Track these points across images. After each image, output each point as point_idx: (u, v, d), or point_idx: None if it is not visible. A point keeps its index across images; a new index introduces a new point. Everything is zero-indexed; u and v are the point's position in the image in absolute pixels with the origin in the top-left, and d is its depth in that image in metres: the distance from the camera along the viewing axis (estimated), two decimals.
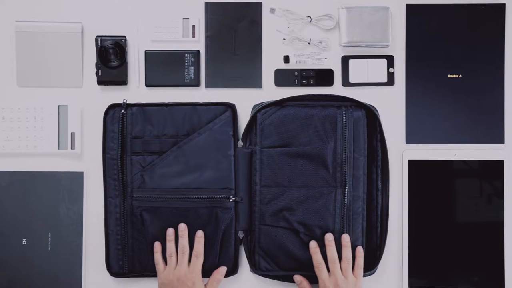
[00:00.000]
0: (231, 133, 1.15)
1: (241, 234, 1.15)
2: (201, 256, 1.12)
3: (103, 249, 1.16)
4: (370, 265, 1.15)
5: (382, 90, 1.19)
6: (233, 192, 1.14)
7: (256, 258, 1.14)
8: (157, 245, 1.13)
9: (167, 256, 1.12)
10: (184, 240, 1.12)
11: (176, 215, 1.14)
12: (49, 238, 1.16)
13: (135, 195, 1.15)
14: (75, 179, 1.17)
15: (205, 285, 1.12)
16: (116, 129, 1.15)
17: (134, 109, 1.16)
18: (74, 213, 1.17)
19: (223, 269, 1.14)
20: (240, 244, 1.16)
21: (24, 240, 1.16)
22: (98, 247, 1.17)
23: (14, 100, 1.18)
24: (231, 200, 1.14)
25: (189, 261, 1.12)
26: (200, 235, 1.12)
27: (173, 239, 1.13)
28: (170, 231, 1.13)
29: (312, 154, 1.12)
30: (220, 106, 1.16)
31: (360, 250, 1.12)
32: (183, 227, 1.13)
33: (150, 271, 1.15)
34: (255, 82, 1.19)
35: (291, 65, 1.19)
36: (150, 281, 1.17)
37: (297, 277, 1.13)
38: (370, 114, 1.15)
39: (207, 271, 1.14)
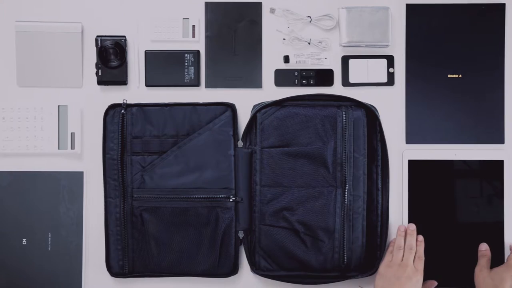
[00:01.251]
0: (231, 133, 1.15)
1: (241, 234, 1.15)
2: (423, 257, 1.12)
3: (103, 249, 1.16)
4: (370, 265, 1.15)
5: (382, 90, 1.19)
6: (233, 192, 1.14)
7: (256, 258, 1.14)
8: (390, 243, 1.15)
9: (395, 248, 1.13)
10: (412, 239, 1.13)
11: (176, 215, 1.14)
12: (49, 238, 1.16)
13: (135, 195, 1.14)
14: (75, 179, 1.17)
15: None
16: (116, 129, 1.15)
17: (134, 109, 1.16)
18: (74, 213, 1.17)
19: (434, 283, 1.15)
20: (240, 244, 1.16)
21: (24, 240, 1.16)
22: (98, 247, 1.16)
23: (14, 100, 1.18)
24: (231, 200, 1.14)
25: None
26: (421, 239, 1.14)
27: (403, 235, 1.14)
28: (402, 228, 1.15)
29: (312, 154, 1.12)
30: (220, 106, 1.16)
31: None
32: (412, 227, 1.14)
33: (150, 271, 1.15)
34: (255, 82, 1.19)
35: (291, 65, 1.19)
36: (151, 281, 1.17)
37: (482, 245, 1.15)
38: (370, 114, 1.15)
39: (207, 271, 1.15)
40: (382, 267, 1.12)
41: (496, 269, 1.12)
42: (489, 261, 1.14)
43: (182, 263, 1.15)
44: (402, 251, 1.12)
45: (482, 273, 1.12)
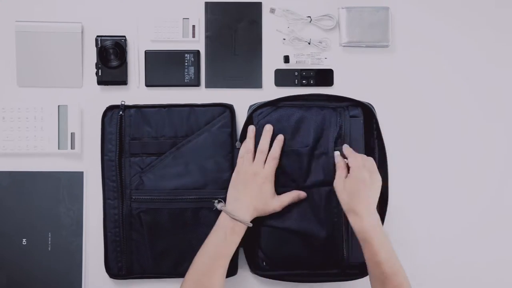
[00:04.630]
0: (229, 133, 1.15)
1: None
2: (277, 158, 1.10)
3: (103, 250, 1.16)
4: None
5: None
6: None
7: (256, 259, 1.14)
8: (247, 141, 1.12)
9: (244, 152, 1.10)
10: (265, 141, 1.11)
11: (175, 216, 1.14)
12: (49, 238, 1.16)
13: (133, 197, 1.14)
14: (75, 179, 1.17)
15: (276, 195, 1.10)
16: (114, 131, 1.15)
17: (132, 110, 1.15)
18: (74, 213, 1.17)
19: (303, 194, 1.11)
20: (240, 245, 1.16)
21: (24, 240, 1.16)
22: (98, 247, 1.16)
23: (14, 100, 1.18)
24: None
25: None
26: (280, 138, 1.11)
27: (253, 137, 1.11)
28: (251, 128, 1.12)
29: (309, 154, 1.12)
30: (218, 107, 1.16)
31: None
32: (268, 128, 1.11)
33: (149, 273, 1.15)
34: (255, 82, 1.19)
35: (291, 65, 1.19)
36: (149, 283, 1.17)
37: None
38: (367, 112, 1.14)
39: None
40: (233, 175, 1.10)
41: (347, 178, 1.04)
42: (344, 170, 1.06)
43: (181, 265, 1.15)
44: (251, 155, 1.10)
45: (338, 185, 1.05)
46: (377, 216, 1.03)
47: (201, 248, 1.06)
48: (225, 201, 1.10)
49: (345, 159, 1.07)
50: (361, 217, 1.01)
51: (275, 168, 1.10)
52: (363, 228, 1.00)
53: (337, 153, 1.09)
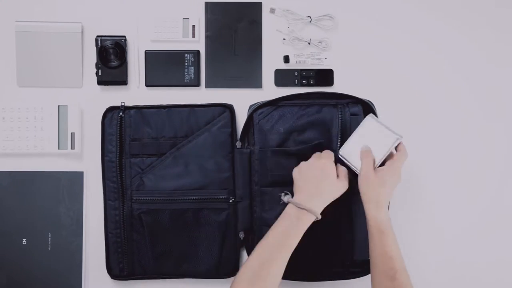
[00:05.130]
0: (230, 134, 1.15)
1: (241, 235, 1.15)
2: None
3: (103, 250, 1.16)
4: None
5: None
6: (232, 192, 1.14)
7: None
8: None
9: None
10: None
11: (176, 216, 1.14)
12: (49, 238, 1.16)
13: (134, 198, 1.14)
14: (75, 179, 1.17)
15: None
16: (114, 132, 1.15)
17: (132, 111, 1.15)
18: (74, 213, 1.17)
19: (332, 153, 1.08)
20: (242, 245, 1.16)
21: (24, 240, 1.16)
22: (98, 247, 1.16)
23: (14, 100, 1.18)
24: (230, 200, 1.14)
25: None
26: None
27: None
28: None
29: (310, 153, 1.12)
30: (218, 107, 1.16)
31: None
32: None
33: (150, 274, 1.15)
34: (255, 82, 1.19)
35: (291, 65, 1.19)
36: (151, 284, 1.17)
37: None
38: (367, 110, 1.14)
39: (207, 273, 1.15)
40: (294, 173, 1.06)
41: (383, 169, 1.03)
42: (373, 162, 1.04)
43: (182, 265, 1.15)
44: None
45: (366, 174, 1.02)
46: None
47: (263, 237, 1.02)
48: (292, 195, 1.07)
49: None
50: (382, 208, 1.01)
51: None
52: (382, 219, 1.00)
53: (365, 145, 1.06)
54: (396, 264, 0.98)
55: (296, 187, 1.06)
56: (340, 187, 1.05)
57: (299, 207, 1.02)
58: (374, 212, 1.01)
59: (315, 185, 1.04)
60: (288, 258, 1.00)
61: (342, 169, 1.07)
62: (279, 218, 1.03)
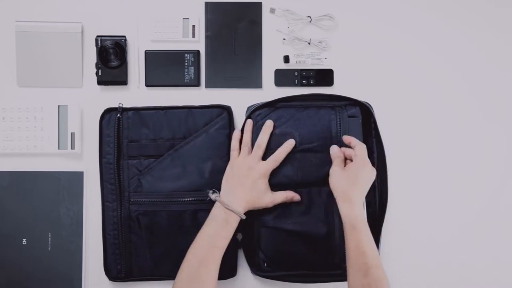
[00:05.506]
0: (227, 135, 1.15)
1: (239, 236, 1.15)
2: (279, 161, 1.09)
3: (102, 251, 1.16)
4: None
5: None
6: None
7: (257, 260, 1.14)
8: (237, 133, 1.12)
9: (242, 145, 1.11)
10: (264, 136, 1.10)
11: (174, 218, 1.14)
12: (49, 238, 1.16)
13: (132, 199, 1.14)
14: (75, 179, 1.17)
15: (271, 191, 1.10)
16: (112, 133, 1.15)
17: (129, 113, 1.15)
18: (74, 213, 1.17)
19: (297, 197, 1.11)
20: (239, 247, 1.16)
21: (24, 240, 1.16)
22: (98, 247, 1.16)
23: (14, 100, 1.18)
24: None
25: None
26: (291, 142, 1.10)
27: (251, 130, 1.11)
28: (249, 122, 1.12)
29: (307, 154, 1.12)
30: (216, 108, 1.16)
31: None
32: (269, 123, 1.11)
33: (148, 275, 1.15)
34: (255, 82, 1.19)
35: (291, 65, 1.19)
36: (149, 285, 1.17)
37: None
38: (365, 112, 1.14)
39: None
40: (227, 167, 1.10)
41: (349, 166, 1.06)
42: (343, 161, 1.08)
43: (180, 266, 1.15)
44: (247, 148, 1.10)
45: (335, 172, 1.06)
46: (364, 210, 1.05)
47: (194, 240, 1.05)
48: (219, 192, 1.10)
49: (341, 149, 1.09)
50: (354, 205, 1.02)
51: (273, 168, 1.10)
52: (355, 215, 1.01)
53: (333, 146, 1.10)
54: (369, 260, 0.98)
55: (226, 187, 1.09)
56: (266, 201, 1.09)
57: (226, 208, 1.05)
58: (346, 208, 1.03)
59: (245, 192, 1.07)
60: (221, 258, 1.04)
61: (281, 194, 1.10)
62: (208, 217, 1.06)
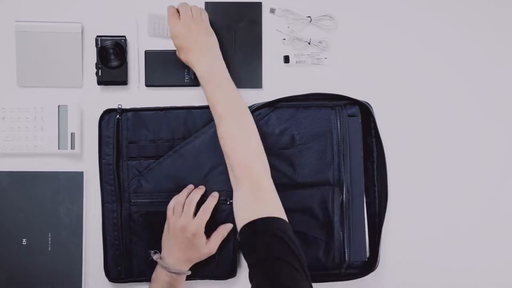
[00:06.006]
0: None
1: (239, 237, 1.15)
2: (208, 213, 1.09)
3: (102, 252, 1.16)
4: (372, 262, 1.14)
5: None
6: (230, 194, 1.14)
7: None
8: (173, 198, 1.12)
9: (175, 204, 1.11)
10: (195, 195, 1.11)
11: None
12: (49, 238, 1.16)
13: (132, 200, 1.14)
14: (75, 179, 1.17)
15: (206, 240, 1.10)
16: (111, 134, 1.15)
17: (129, 114, 1.15)
18: (74, 213, 1.17)
19: (229, 225, 1.12)
20: (239, 247, 1.16)
21: (24, 240, 1.16)
22: (99, 247, 1.16)
23: (14, 100, 1.18)
24: (228, 202, 1.14)
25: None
26: (215, 195, 1.12)
27: (187, 194, 1.12)
28: (190, 186, 1.13)
29: (305, 155, 1.12)
30: None
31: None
32: (201, 186, 1.13)
33: (148, 276, 1.15)
34: (255, 82, 1.19)
35: (291, 65, 1.19)
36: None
37: None
38: (365, 111, 1.15)
39: (205, 274, 1.15)
40: (165, 226, 1.10)
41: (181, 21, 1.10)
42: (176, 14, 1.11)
43: None
44: (180, 207, 1.10)
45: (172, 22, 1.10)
46: (221, 62, 1.08)
47: None
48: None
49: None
50: (200, 55, 1.07)
51: (206, 221, 1.09)
52: (201, 69, 1.06)
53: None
54: (219, 110, 1.03)
55: (166, 247, 1.10)
56: (205, 254, 1.10)
57: (169, 271, 1.07)
58: (192, 60, 1.07)
59: (183, 252, 1.08)
60: None
61: (216, 237, 1.11)
62: (152, 279, 1.09)
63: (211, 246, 1.10)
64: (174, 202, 1.11)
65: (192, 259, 1.10)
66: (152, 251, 1.11)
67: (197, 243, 1.08)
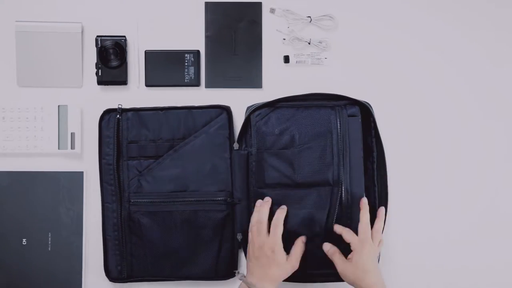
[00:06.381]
0: (227, 135, 1.15)
1: (239, 236, 1.15)
2: (280, 226, 1.08)
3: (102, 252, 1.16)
4: None
5: None
6: (230, 194, 1.14)
7: None
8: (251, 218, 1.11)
9: (254, 223, 1.10)
10: (264, 211, 1.10)
11: (174, 218, 1.14)
12: (49, 238, 1.16)
13: (132, 200, 1.14)
14: (75, 179, 1.17)
15: (287, 256, 1.09)
16: (111, 134, 1.15)
17: (129, 114, 1.15)
18: (74, 213, 1.17)
19: (303, 237, 1.11)
20: (239, 247, 1.16)
21: (24, 240, 1.16)
22: (99, 247, 1.16)
23: (14, 100, 1.18)
24: (228, 202, 1.14)
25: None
26: (283, 207, 1.10)
27: (263, 207, 1.11)
28: (258, 203, 1.12)
29: (306, 155, 1.12)
30: (215, 109, 1.16)
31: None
32: (267, 199, 1.11)
33: (149, 276, 1.15)
34: (255, 82, 1.19)
35: (291, 65, 1.19)
36: (149, 286, 1.17)
37: (326, 245, 1.11)
38: (365, 111, 1.14)
39: (205, 274, 1.15)
40: (248, 246, 1.10)
41: (351, 257, 1.07)
42: (341, 253, 1.08)
43: (181, 267, 1.15)
44: (260, 225, 1.08)
45: (344, 268, 1.06)
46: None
47: None
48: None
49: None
50: (369, 280, 1.04)
51: (280, 235, 1.08)
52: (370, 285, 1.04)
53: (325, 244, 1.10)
54: None
55: (249, 267, 1.09)
56: (288, 269, 1.08)
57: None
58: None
59: (265, 270, 1.06)
60: None
61: (296, 251, 1.10)
62: None
63: (293, 261, 1.09)
64: (253, 221, 1.10)
65: (276, 278, 1.07)
66: (236, 271, 1.13)
67: (277, 258, 1.07)
